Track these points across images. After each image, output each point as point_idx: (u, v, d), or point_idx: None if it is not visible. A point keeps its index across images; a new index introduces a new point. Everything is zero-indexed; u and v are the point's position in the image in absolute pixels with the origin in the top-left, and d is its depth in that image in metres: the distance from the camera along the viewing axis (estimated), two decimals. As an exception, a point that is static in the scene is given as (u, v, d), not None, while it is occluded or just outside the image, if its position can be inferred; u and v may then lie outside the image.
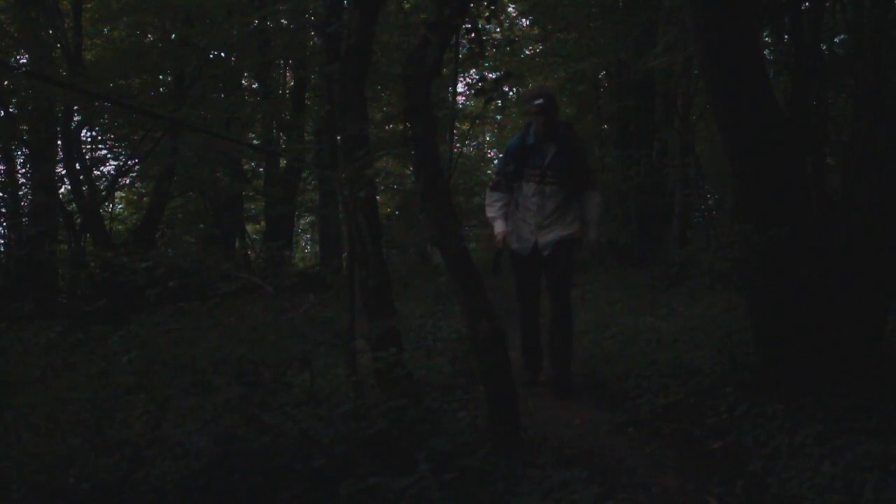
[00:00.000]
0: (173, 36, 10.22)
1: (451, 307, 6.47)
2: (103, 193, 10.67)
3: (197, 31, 9.46)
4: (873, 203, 3.30)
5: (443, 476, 2.44)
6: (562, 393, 4.19)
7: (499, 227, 4.41)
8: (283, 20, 10.97)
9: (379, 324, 3.22)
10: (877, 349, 3.36)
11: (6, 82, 9.21)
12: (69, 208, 10.60)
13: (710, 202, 9.83)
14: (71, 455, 2.69)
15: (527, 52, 13.86)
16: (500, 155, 4.47)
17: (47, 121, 10.28)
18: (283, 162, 12.19)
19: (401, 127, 11.30)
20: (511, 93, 14.87)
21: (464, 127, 15.67)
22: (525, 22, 14.05)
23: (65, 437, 2.77)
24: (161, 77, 10.88)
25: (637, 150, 10.11)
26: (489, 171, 19.94)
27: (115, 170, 11.63)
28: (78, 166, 9.91)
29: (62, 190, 10.85)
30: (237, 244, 12.80)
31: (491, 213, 4.47)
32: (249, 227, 15.23)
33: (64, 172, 10.23)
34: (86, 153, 10.80)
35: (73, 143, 9.87)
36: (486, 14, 3.79)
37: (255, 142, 12.75)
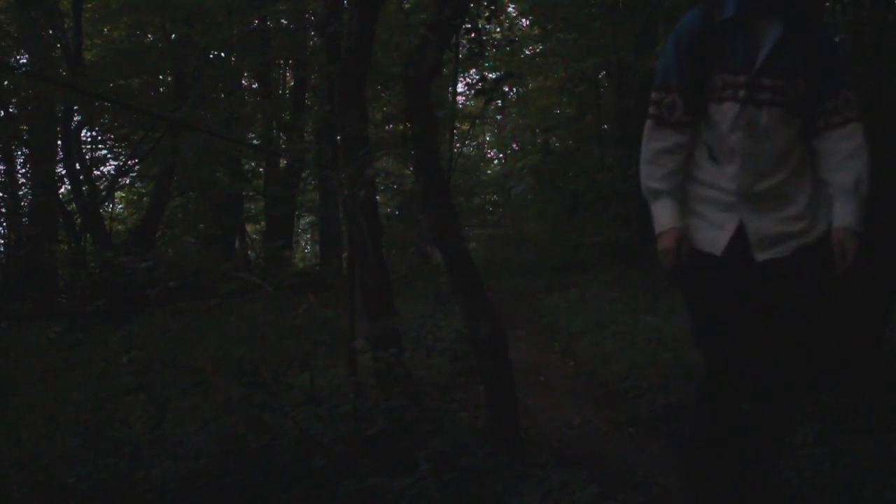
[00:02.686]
0: (173, 36, 10.22)
1: (451, 307, 6.47)
2: (103, 193, 10.69)
3: (197, 31, 9.47)
4: (873, 203, 3.29)
5: (443, 476, 2.45)
6: None
7: (666, 216, 2.12)
8: (283, 20, 10.99)
9: (379, 324, 3.22)
10: (877, 349, 3.35)
11: (6, 82, 9.22)
12: (69, 208, 10.62)
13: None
14: (71, 455, 2.69)
15: (527, 52, 13.88)
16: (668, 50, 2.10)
17: (47, 121, 10.29)
18: (283, 162, 12.19)
19: (401, 127, 11.31)
20: (511, 93, 14.90)
21: (464, 127, 15.68)
22: (525, 22, 14.07)
23: (65, 437, 2.77)
24: (161, 77, 10.89)
25: (637, 150, 10.08)
26: (489, 172, 19.66)
27: (115, 170, 11.66)
28: (78, 166, 9.93)
29: (62, 190, 10.88)
30: (237, 244, 12.81)
31: (654, 180, 2.17)
32: (249, 227, 15.24)
33: (64, 172, 10.26)
34: (86, 153, 10.82)
35: (73, 143, 9.89)
36: (486, 14, 3.80)
37: (255, 142, 12.76)
